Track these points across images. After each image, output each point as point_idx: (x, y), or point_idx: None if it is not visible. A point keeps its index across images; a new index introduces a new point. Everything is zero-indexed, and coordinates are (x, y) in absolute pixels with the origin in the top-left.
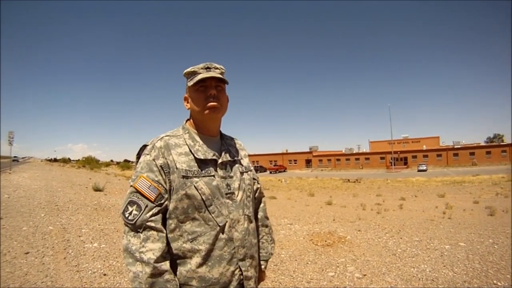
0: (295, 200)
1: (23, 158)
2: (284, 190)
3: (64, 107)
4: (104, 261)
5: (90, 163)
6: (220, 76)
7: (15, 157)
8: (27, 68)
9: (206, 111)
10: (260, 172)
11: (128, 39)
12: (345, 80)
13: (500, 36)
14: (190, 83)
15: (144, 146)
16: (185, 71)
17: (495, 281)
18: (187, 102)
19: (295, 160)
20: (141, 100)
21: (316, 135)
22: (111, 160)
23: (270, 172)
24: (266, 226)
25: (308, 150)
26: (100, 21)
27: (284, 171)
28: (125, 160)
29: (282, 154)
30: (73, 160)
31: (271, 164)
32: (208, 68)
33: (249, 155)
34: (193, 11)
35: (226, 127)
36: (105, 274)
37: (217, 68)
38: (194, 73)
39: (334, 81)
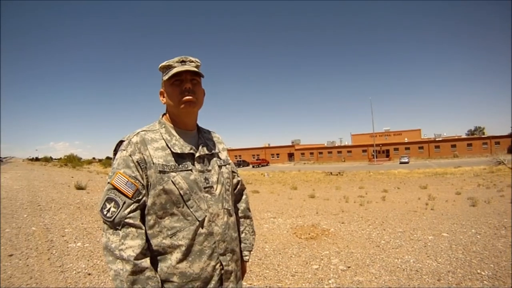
0: (278, 194)
1: (4, 158)
2: (267, 184)
3: (44, 105)
4: (88, 260)
5: (72, 161)
6: (195, 69)
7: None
8: (4, 67)
9: (182, 105)
10: (243, 166)
11: (109, 35)
12: (326, 74)
13: (481, 28)
14: (165, 77)
15: (121, 142)
16: (160, 65)
17: (478, 271)
18: (163, 97)
19: (277, 154)
20: (123, 96)
21: (298, 129)
22: (93, 158)
23: (253, 166)
24: (248, 217)
25: (290, 143)
26: (80, 17)
27: (267, 165)
28: (107, 158)
29: (265, 148)
30: (55, 159)
31: (253, 158)
32: (183, 62)
33: (232, 150)
34: (171, 7)
35: (208, 121)
36: (89, 274)
37: (192, 61)
38: (169, 67)
39: (315, 74)
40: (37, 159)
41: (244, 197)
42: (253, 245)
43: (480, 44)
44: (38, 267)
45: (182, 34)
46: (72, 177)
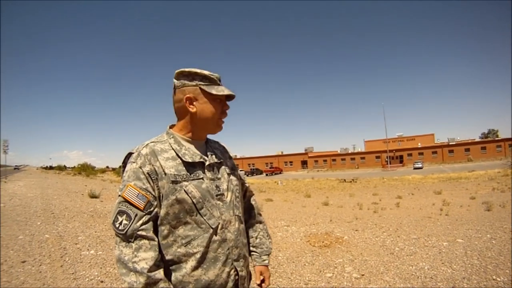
0: (292, 202)
1: (20, 166)
2: (280, 192)
3: (58, 113)
4: (101, 268)
5: (85, 170)
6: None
7: (16, 166)
8: (20, 75)
9: (219, 127)
10: (256, 174)
11: (123, 44)
12: (338, 80)
13: (494, 31)
14: (212, 91)
15: (130, 154)
16: (195, 70)
17: (494, 277)
18: (193, 105)
19: (290, 162)
20: (136, 105)
21: (311, 136)
22: (107, 167)
23: (266, 175)
24: (261, 222)
25: (303, 151)
26: (93, 26)
27: (280, 173)
28: (121, 167)
29: (278, 156)
30: (69, 167)
31: (267, 166)
32: (220, 80)
33: (245, 158)
34: (186, 12)
35: (223, 130)
36: (102, 281)
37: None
38: (211, 80)
39: (327, 81)
40: (51, 168)
41: (253, 203)
42: (271, 248)
43: (492, 46)
44: (51, 274)
45: (196, 39)
46: (86, 186)
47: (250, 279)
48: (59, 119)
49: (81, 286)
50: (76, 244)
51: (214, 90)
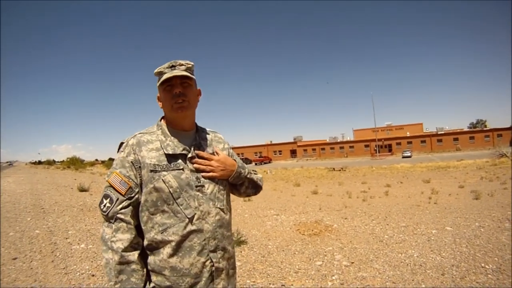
0: (281, 191)
1: (12, 162)
2: (269, 181)
3: (46, 107)
4: (92, 261)
5: (74, 163)
6: (184, 73)
7: (9, 162)
8: (6, 70)
9: (175, 110)
10: (246, 164)
11: (111, 35)
12: (327, 69)
13: (483, 22)
14: (158, 84)
15: (121, 144)
16: (154, 71)
17: (483, 264)
18: (160, 102)
19: (280, 151)
20: (124, 97)
21: (300, 125)
22: (96, 159)
23: (256, 164)
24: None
25: (292, 140)
26: (77, 18)
27: (269, 162)
28: (110, 159)
29: (267, 145)
30: (58, 162)
31: (256, 155)
32: (172, 67)
33: (234, 148)
34: (173, 7)
35: (210, 120)
36: (93, 275)
37: (182, 65)
38: (161, 73)
39: (316, 70)
40: (40, 162)
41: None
42: (241, 167)
43: (481, 37)
44: (42, 270)
45: (183, 33)
46: (75, 179)
47: (233, 275)
48: (47, 114)
49: (72, 281)
50: (66, 238)
51: (158, 82)
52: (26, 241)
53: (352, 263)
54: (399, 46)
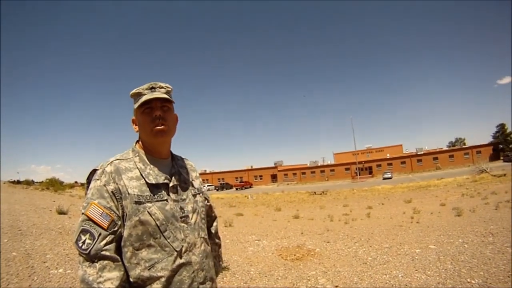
0: (262, 216)
1: None
2: (250, 206)
3: (26, 127)
4: (70, 287)
5: (53, 185)
6: (166, 96)
7: None
8: None
9: (154, 135)
10: (226, 189)
11: (91, 53)
12: (306, 94)
13: (459, 36)
14: (136, 105)
15: (94, 171)
16: (131, 92)
17: (468, 279)
18: (135, 125)
19: (260, 176)
20: (105, 119)
21: (281, 150)
22: (75, 182)
23: (236, 189)
24: (217, 245)
25: (273, 165)
26: (56, 30)
27: (250, 187)
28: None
29: (248, 170)
30: (37, 182)
31: (236, 180)
32: (152, 88)
33: (215, 173)
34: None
35: (190, 144)
36: None
37: (162, 87)
38: (139, 95)
39: (295, 95)
40: (18, 182)
41: (214, 223)
42: (220, 272)
43: (457, 55)
44: None
45: (157, 53)
46: (54, 201)
47: None
48: (26, 133)
49: None
50: (44, 262)
51: (136, 104)
52: (2, 263)
53: (336, 286)
54: (377, 67)
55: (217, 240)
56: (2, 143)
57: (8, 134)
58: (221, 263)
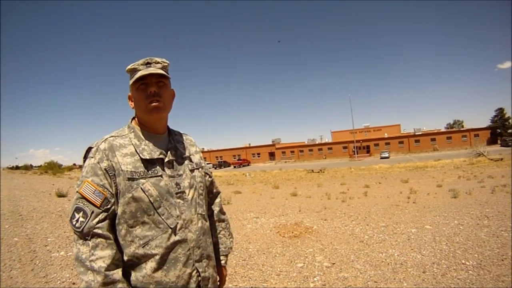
0: (260, 194)
1: None
2: (248, 184)
3: (23, 111)
4: (72, 269)
5: (52, 168)
6: (161, 71)
7: None
8: None
9: (149, 111)
10: (224, 167)
11: (88, 38)
12: (304, 71)
13: (459, 20)
14: (131, 82)
15: (89, 149)
16: (126, 68)
17: (463, 261)
18: (131, 101)
19: (258, 154)
20: (103, 99)
21: (279, 128)
22: (74, 164)
23: (234, 167)
24: (223, 220)
25: (271, 143)
26: (55, 18)
27: (248, 165)
28: None
29: (245, 148)
30: (35, 167)
31: (234, 158)
32: (148, 64)
33: (213, 151)
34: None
35: (187, 122)
36: (74, 283)
37: (158, 63)
38: (134, 70)
39: (294, 72)
40: (17, 167)
41: (217, 200)
42: (230, 248)
43: (456, 37)
44: (22, 279)
45: (161, 34)
46: (53, 185)
47: (222, 279)
48: (24, 117)
49: None
50: (45, 246)
51: (131, 80)
52: (4, 249)
53: (333, 264)
54: (377, 47)
55: (222, 216)
56: (1, 130)
57: (6, 120)
58: (231, 239)
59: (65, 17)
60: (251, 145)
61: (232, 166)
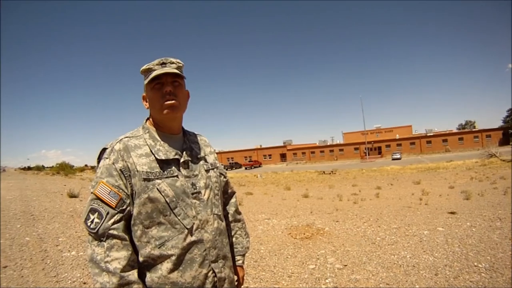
0: (272, 195)
1: (4, 167)
2: (260, 186)
3: (35, 112)
4: (83, 269)
5: (64, 169)
6: (176, 71)
7: (3, 168)
8: None
9: (165, 111)
10: (236, 168)
11: (100, 37)
12: (316, 73)
13: (471, 21)
14: (146, 81)
15: (104, 150)
16: (141, 68)
17: (475, 263)
18: (146, 101)
19: (269, 155)
20: (114, 101)
21: (290, 129)
22: (86, 165)
23: (246, 168)
24: (239, 220)
25: (282, 144)
26: (66, 19)
27: (259, 166)
28: None
29: (257, 149)
30: (47, 167)
31: (246, 160)
32: (163, 64)
33: (224, 152)
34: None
35: (199, 123)
36: (84, 283)
37: (173, 63)
38: (149, 70)
39: (305, 74)
40: (29, 168)
41: (233, 200)
42: (247, 248)
43: (470, 38)
44: (33, 278)
45: (174, 35)
46: (65, 185)
47: (240, 278)
48: (36, 118)
49: None
50: (57, 246)
51: (147, 80)
52: (16, 248)
53: (345, 265)
54: (388, 48)
55: (238, 216)
56: (12, 130)
57: (18, 121)
58: (248, 239)
59: (81, 17)
60: (263, 146)
61: (243, 168)
